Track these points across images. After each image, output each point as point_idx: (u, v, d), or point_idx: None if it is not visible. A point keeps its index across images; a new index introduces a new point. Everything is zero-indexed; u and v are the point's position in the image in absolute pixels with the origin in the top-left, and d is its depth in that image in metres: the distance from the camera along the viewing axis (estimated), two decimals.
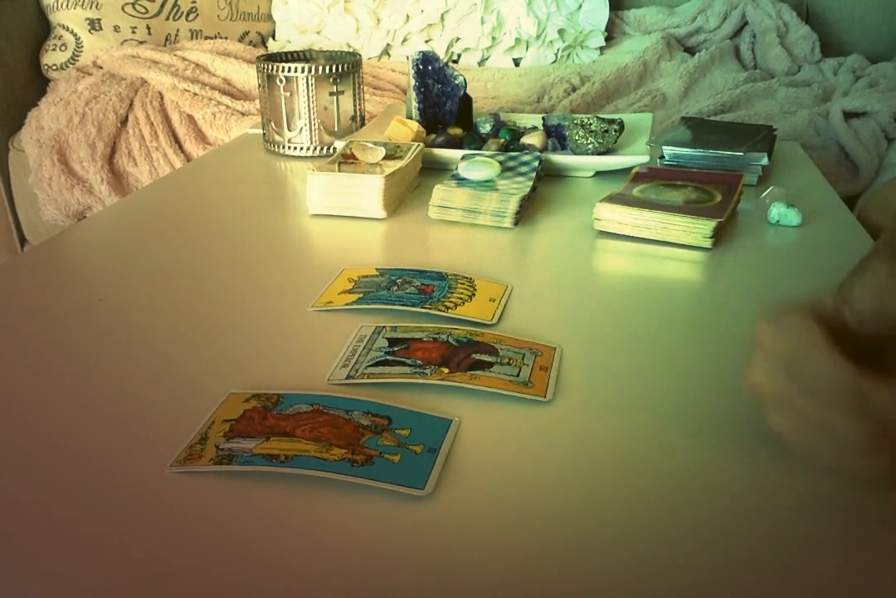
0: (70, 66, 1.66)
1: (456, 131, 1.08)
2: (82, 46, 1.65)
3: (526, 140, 1.04)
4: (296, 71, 1.07)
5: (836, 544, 0.41)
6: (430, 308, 0.65)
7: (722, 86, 1.65)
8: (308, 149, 1.12)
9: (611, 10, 1.87)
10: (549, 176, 1.01)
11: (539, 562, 0.40)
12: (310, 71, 1.07)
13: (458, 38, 1.84)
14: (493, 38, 1.83)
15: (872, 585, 0.39)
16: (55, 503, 0.44)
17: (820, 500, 0.44)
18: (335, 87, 1.10)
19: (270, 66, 1.08)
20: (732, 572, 0.39)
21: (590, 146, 1.01)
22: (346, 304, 0.66)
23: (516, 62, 1.88)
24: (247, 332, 0.63)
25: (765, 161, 0.97)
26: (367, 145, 0.93)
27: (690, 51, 1.87)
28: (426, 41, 1.84)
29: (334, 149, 1.10)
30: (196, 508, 0.43)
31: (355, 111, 1.13)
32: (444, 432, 0.50)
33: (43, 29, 1.68)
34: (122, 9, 1.67)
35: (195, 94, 1.49)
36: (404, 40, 1.85)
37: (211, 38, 1.75)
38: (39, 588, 0.38)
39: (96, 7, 1.64)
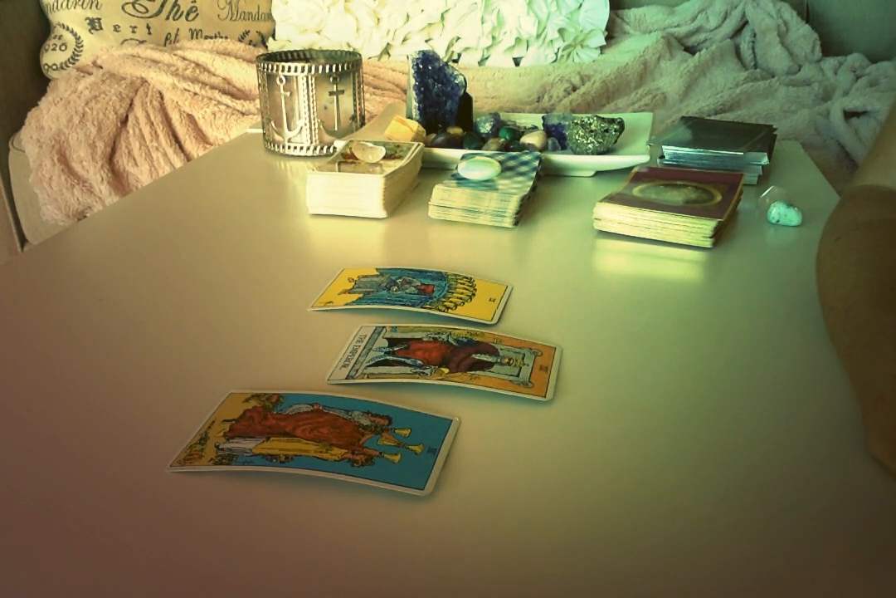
0: (70, 65, 1.66)
1: (456, 131, 1.08)
2: (82, 46, 1.65)
3: (526, 140, 1.04)
4: (296, 70, 1.07)
5: (838, 543, 0.41)
6: (430, 308, 0.65)
7: (722, 85, 1.65)
8: (308, 148, 1.12)
9: (611, 9, 1.87)
10: (549, 176, 1.01)
11: (539, 562, 0.40)
12: (310, 70, 1.07)
13: (458, 38, 1.84)
14: (494, 38, 1.83)
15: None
16: (55, 502, 0.44)
17: (820, 498, 0.44)
18: (335, 86, 1.10)
19: (270, 66, 1.08)
20: (732, 571, 0.39)
21: (590, 146, 1.01)
22: (346, 304, 0.66)
23: (516, 62, 1.88)
24: (247, 332, 0.63)
25: (765, 161, 0.97)
26: (367, 145, 0.93)
27: (690, 50, 1.87)
28: (426, 40, 1.84)
29: (334, 148, 1.10)
30: (196, 508, 0.43)
31: (355, 111, 1.13)
32: (444, 432, 0.50)
33: (43, 29, 1.68)
34: (122, 8, 1.67)
35: (195, 93, 1.49)
36: (404, 40, 1.85)
37: (211, 38, 1.75)
38: (39, 588, 0.38)
39: (96, 6, 1.64)
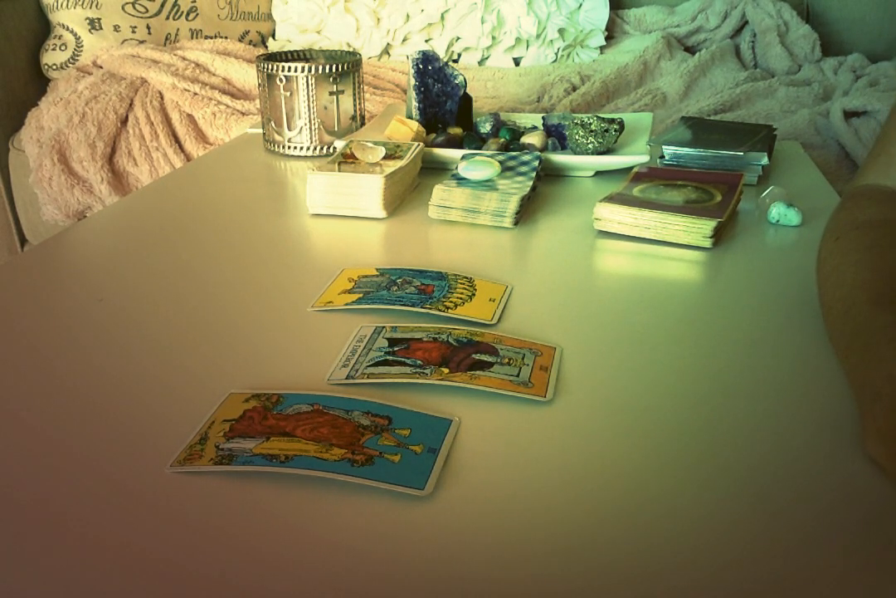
0: (70, 65, 1.66)
1: (456, 131, 1.08)
2: (82, 46, 1.65)
3: (526, 140, 1.04)
4: (296, 70, 1.07)
5: (837, 543, 0.41)
6: (430, 308, 0.65)
7: (722, 85, 1.65)
8: (308, 148, 1.12)
9: (611, 9, 1.87)
10: (549, 176, 1.01)
11: (539, 562, 0.40)
12: (310, 70, 1.07)
13: (458, 38, 1.84)
14: (494, 38, 1.83)
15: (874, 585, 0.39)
16: (55, 503, 0.44)
17: (820, 498, 0.44)
18: (335, 86, 1.10)
19: (270, 66, 1.08)
20: (732, 571, 0.39)
21: (590, 146, 1.01)
22: (346, 304, 0.66)
23: (516, 62, 1.88)
24: (247, 332, 0.63)
25: (765, 161, 0.97)
26: (367, 145, 0.93)
27: (690, 50, 1.87)
28: (426, 40, 1.84)
29: (334, 148, 1.10)
30: (196, 508, 0.43)
31: (355, 111, 1.13)
32: (444, 432, 0.50)
33: (43, 29, 1.68)
34: (122, 8, 1.67)
35: (195, 93, 1.49)
36: (404, 40, 1.85)
37: (211, 38, 1.75)
38: (39, 588, 0.38)
39: (96, 6, 1.64)
